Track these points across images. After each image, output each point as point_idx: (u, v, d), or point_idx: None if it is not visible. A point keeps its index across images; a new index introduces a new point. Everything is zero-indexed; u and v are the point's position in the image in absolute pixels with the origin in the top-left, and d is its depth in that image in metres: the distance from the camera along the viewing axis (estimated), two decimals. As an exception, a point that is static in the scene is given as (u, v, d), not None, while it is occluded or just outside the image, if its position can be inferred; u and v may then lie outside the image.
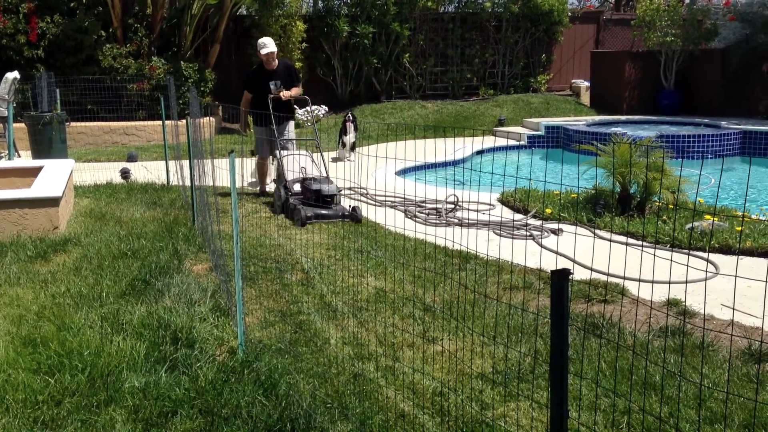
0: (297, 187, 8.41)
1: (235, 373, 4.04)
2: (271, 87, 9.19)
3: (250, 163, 10.70)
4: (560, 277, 2.27)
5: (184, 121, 9.74)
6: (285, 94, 9.17)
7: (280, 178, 8.72)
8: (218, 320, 4.83)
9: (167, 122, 10.30)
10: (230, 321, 4.79)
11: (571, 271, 2.31)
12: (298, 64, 17.05)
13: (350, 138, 12.39)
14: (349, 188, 9.49)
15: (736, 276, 3.04)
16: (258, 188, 9.87)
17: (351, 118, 12.46)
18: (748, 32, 17.12)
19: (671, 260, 6.26)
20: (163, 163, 10.42)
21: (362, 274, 6.04)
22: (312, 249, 6.81)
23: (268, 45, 9.28)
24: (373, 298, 5.42)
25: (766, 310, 4.94)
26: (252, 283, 5.68)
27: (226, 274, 5.14)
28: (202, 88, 15.34)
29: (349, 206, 8.23)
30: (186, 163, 7.72)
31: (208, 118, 14.84)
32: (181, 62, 15.25)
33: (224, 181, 5.02)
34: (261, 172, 9.69)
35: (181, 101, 14.00)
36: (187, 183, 7.73)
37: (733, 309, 4.89)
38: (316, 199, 8.04)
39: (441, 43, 18.85)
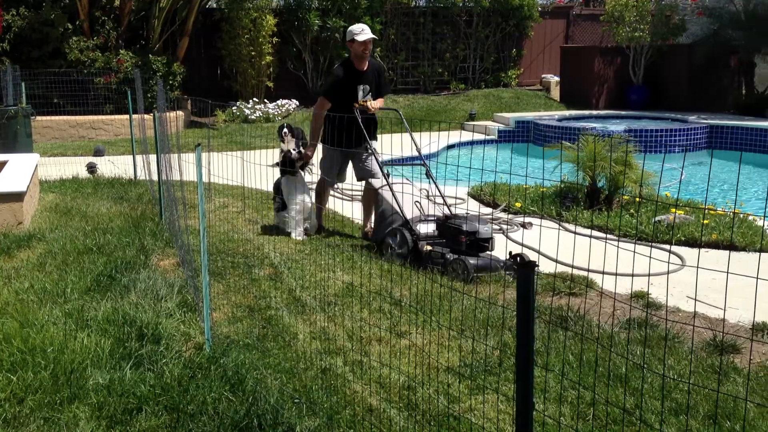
0: (426, 228, 6.40)
1: (202, 369, 4.00)
2: (359, 94, 7.10)
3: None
4: (526, 269, 2.27)
5: (151, 114, 9.57)
6: (373, 105, 7.05)
7: (384, 218, 6.68)
8: (185, 316, 4.77)
9: (135, 116, 10.18)
10: (197, 317, 4.74)
11: (537, 263, 2.31)
12: (267, 58, 16.95)
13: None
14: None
15: (697, 267, 3.07)
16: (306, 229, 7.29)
17: (288, 131, 10.93)
18: (715, 28, 17.32)
19: (634, 252, 6.32)
20: (131, 157, 10.30)
21: (332, 268, 6.02)
22: (281, 244, 6.77)
23: (366, 30, 7.03)
24: (342, 292, 5.40)
25: (728, 302, 5.00)
26: (220, 279, 5.63)
27: (194, 270, 5.09)
28: (170, 82, 15.19)
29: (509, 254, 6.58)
30: (154, 157, 7.63)
31: (176, 112, 14.71)
32: (150, 55, 15.08)
33: (191, 175, 4.97)
34: (321, 199, 7.57)
35: (149, 95, 13.85)
36: (155, 178, 7.64)
37: (695, 300, 4.94)
38: (469, 243, 6.01)
39: (412, 37, 18.85)
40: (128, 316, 4.62)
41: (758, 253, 6.60)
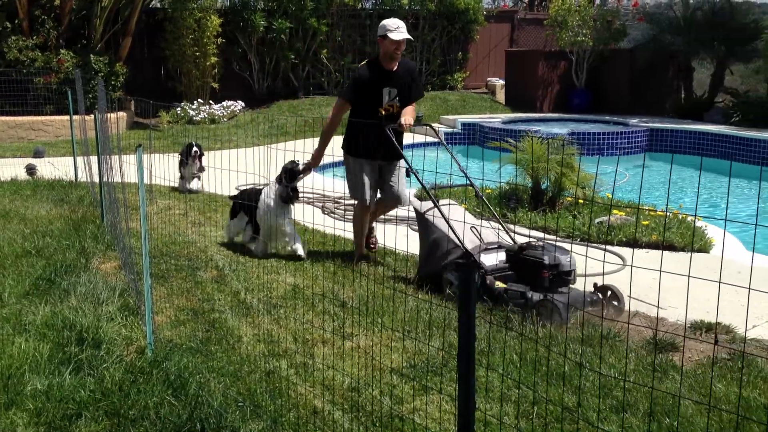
0: (490, 260, 5.49)
1: (144, 373, 3.93)
2: (384, 97, 6.18)
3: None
4: (467, 270, 2.28)
5: (93, 115, 9.38)
6: (406, 121, 6.03)
7: (435, 249, 5.65)
8: (127, 320, 4.69)
9: (75, 117, 9.97)
10: (139, 320, 4.66)
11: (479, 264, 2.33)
12: (212, 59, 16.77)
13: (191, 172, 9.39)
14: (265, 185, 9.35)
15: (632, 266, 3.14)
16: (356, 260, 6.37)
17: (197, 151, 9.30)
18: (655, 33, 17.73)
19: (585, 253, 6.41)
20: (72, 159, 10.08)
21: (277, 270, 5.98)
22: (226, 246, 6.70)
23: (402, 28, 6.12)
24: (288, 294, 5.37)
25: (668, 302, 5.12)
26: (163, 282, 5.55)
27: (136, 273, 5.00)
28: (113, 82, 14.91)
29: (594, 286, 5.20)
30: (95, 159, 7.48)
31: (119, 113, 14.44)
32: (91, 55, 14.78)
33: (133, 177, 4.89)
34: (360, 226, 6.40)
35: (90, 95, 13.57)
36: (96, 180, 7.49)
37: (630, 298, 5.03)
38: (551, 278, 5.11)
39: (359, 39, 18.84)
40: (68, 321, 4.53)
41: (696, 253, 6.78)
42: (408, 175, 5.89)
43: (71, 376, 3.90)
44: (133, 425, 3.47)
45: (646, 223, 7.53)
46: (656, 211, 7.88)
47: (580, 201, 8.39)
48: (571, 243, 7.00)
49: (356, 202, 6.41)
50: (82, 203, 8.28)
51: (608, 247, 6.89)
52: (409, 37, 6.19)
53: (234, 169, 8.68)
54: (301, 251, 6.33)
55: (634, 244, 6.98)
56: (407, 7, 18.93)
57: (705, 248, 6.93)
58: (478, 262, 5.34)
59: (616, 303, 5.13)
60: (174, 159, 8.40)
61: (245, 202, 6.63)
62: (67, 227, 7.01)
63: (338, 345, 4.45)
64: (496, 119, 16.36)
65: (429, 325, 4.77)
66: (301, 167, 6.49)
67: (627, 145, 14.41)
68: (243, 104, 16.88)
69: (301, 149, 8.20)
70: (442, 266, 5.52)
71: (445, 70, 20.00)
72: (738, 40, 16.45)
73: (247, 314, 4.94)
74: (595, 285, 5.16)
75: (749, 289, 2.53)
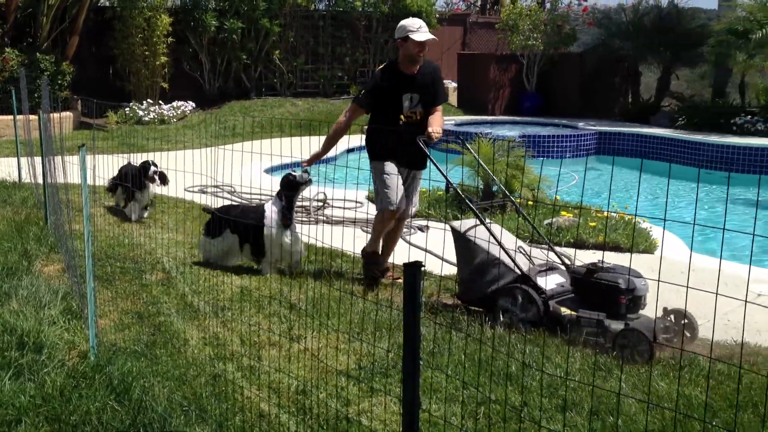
0: (547, 283, 5.02)
1: (86, 378, 3.85)
2: (405, 104, 5.75)
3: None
4: (412, 269, 2.28)
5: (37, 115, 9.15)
6: (435, 131, 5.58)
7: (483, 272, 5.12)
8: (70, 323, 4.59)
9: (19, 117, 9.74)
10: (82, 324, 4.56)
11: (424, 264, 2.33)
12: (162, 59, 16.54)
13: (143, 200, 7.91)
14: (215, 186, 9.27)
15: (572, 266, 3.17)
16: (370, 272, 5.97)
17: (154, 171, 7.80)
18: (604, 38, 18.04)
19: (538, 255, 6.47)
20: (15, 159, 9.84)
21: (226, 272, 5.91)
22: (174, 248, 6.61)
23: (424, 28, 5.66)
24: (237, 297, 5.32)
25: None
26: (108, 284, 5.45)
27: (79, 275, 4.90)
28: (59, 82, 14.61)
29: (664, 310, 4.77)
30: (39, 159, 7.31)
31: (63, 113, 14.15)
32: (37, 54, 14.46)
33: (77, 177, 4.78)
34: (378, 233, 5.97)
35: (35, 95, 13.26)
36: (40, 181, 7.32)
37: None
38: (622, 304, 4.66)
39: (312, 40, 18.77)
40: (8, 324, 4.41)
41: (641, 254, 6.90)
42: (447, 190, 5.72)
43: (11, 381, 3.81)
44: (75, 431, 3.40)
45: (593, 224, 7.64)
46: (602, 212, 8.00)
47: (529, 203, 8.47)
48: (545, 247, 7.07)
49: (381, 209, 5.81)
50: (25, 205, 8.09)
51: (555, 248, 6.95)
52: (433, 37, 5.71)
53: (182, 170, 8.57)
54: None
55: (580, 245, 7.07)
56: (360, 9, 18.93)
57: (649, 249, 7.06)
58: (538, 286, 4.89)
59: (688, 328, 4.67)
60: (120, 160, 8.23)
61: (239, 219, 5.99)
62: (9, 229, 6.84)
63: (286, 347, 4.42)
64: (448, 122, 16.43)
65: (378, 326, 4.76)
66: (299, 178, 6.00)
67: (576, 148, 14.62)
68: (193, 105, 16.69)
69: (258, 150, 8.08)
70: (493, 291, 5.00)
71: (398, 72, 20.03)
72: (684, 46, 16.83)
73: (194, 317, 4.88)
74: (665, 309, 4.74)
75: (686, 287, 2.58)
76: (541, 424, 3.51)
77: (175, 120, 15.92)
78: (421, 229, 7.78)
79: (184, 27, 17.02)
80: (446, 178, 5.49)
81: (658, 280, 2.54)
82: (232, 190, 9.21)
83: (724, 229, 2.46)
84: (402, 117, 5.73)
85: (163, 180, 7.76)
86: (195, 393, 3.77)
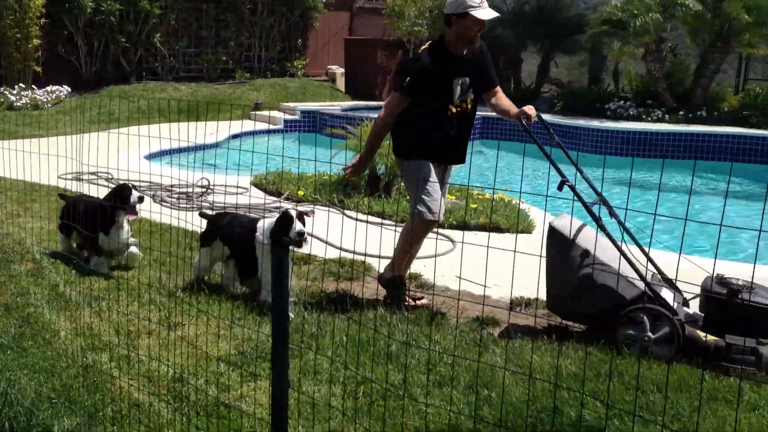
0: (671, 297, 4.45)
1: (-55, 374, 3.64)
2: (456, 90, 4.93)
3: None
4: (280, 249, 2.26)
5: None
6: (530, 110, 4.91)
7: (592, 287, 4.39)
8: (-72, 318, 4.33)
9: None
10: (-58, 318, 4.31)
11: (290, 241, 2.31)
12: (35, 42, 15.75)
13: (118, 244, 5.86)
14: (92, 173, 8.94)
15: (463, 243, 3.24)
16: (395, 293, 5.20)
17: (139, 198, 5.48)
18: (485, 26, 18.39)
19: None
20: None
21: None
22: (46, 238, 6.32)
23: (485, 2, 4.82)
24: (112, 286, 5.14)
25: (493, 280, 5.32)
26: (-28, 276, 5.16)
27: (-61, 267, 4.63)
28: None
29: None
30: None
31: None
32: None
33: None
34: (408, 248, 5.11)
35: None
36: None
37: (460, 278, 5.22)
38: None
39: (194, 23, 18.30)
40: None
41: (520, 234, 7.11)
42: (560, 188, 4.43)
43: None
44: (-69, 430, 3.21)
45: (475, 206, 7.81)
46: (484, 194, 8.20)
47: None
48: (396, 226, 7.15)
49: (418, 216, 4.90)
50: None
51: (439, 230, 7.08)
52: (497, 14, 4.97)
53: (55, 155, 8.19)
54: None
55: (463, 226, 7.21)
56: (245, -8, 18.62)
57: (528, 229, 7.29)
58: (671, 307, 4.27)
59: None
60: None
61: (232, 229, 5.11)
62: None
63: (163, 336, 4.31)
64: (336, 107, 16.43)
65: (260, 311, 4.71)
66: (295, 228, 4.75)
67: (461, 133, 14.88)
68: (69, 89, 15.99)
69: (135, 133, 7.79)
70: (610, 311, 4.31)
71: (285, 57, 19.84)
72: (562, 34, 17.41)
73: (65, 308, 4.69)
74: None
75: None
76: (419, 400, 3.56)
77: (49, 105, 15.21)
78: (306, 213, 7.73)
79: (58, 9, 16.24)
80: (559, 172, 4.61)
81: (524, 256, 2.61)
82: (110, 176, 8.90)
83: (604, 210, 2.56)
84: (452, 108, 4.90)
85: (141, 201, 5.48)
86: (65, 385, 3.63)
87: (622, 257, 4.33)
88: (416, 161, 4.95)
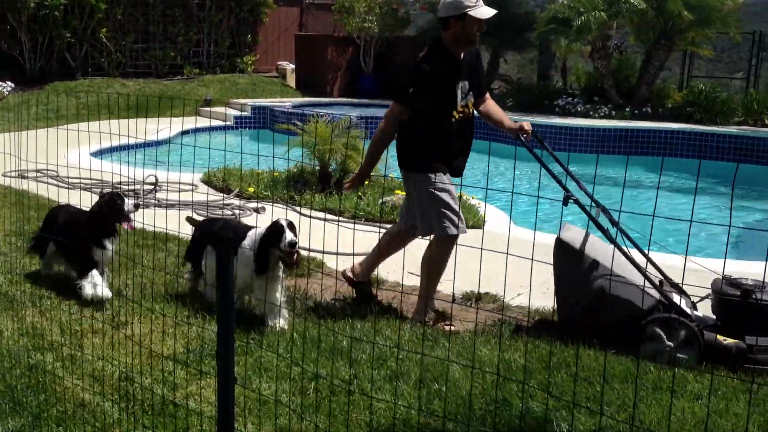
0: (683, 302, 4.42)
1: None
2: (458, 94, 4.75)
3: None
4: (224, 248, 2.25)
5: None
6: (527, 126, 4.86)
7: (604, 298, 4.32)
8: None
9: None
10: None
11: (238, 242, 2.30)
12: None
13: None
14: (37, 170, 8.75)
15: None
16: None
17: (135, 206, 5.08)
18: (436, 22, 18.49)
19: (345, 228, 6.56)
20: None
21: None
22: (-12, 236, 6.18)
23: (481, 1, 4.73)
24: (57, 285, 5.05)
25: (445, 275, 5.36)
26: None
27: None
28: None
29: None
30: None
31: None
32: None
33: None
34: (386, 249, 5.13)
35: None
36: None
37: (404, 273, 5.22)
38: None
39: (142, 18, 18.02)
40: None
41: (470, 229, 7.16)
42: (565, 204, 4.29)
43: None
44: None
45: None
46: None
47: (366, 182, 8.59)
48: (354, 222, 7.16)
49: (441, 234, 4.68)
50: None
51: (390, 227, 7.09)
52: (495, 12, 4.71)
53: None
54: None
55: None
56: (194, -13, 18.39)
57: (478, 224, 7.35)
58: (687, 314, 4.26)
59: None
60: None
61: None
62: None
63: (110, 335, 4.25)
64: (286, 103, 16.35)
65: (208, 309, 4.67)
66: (287, 238, 4.39)
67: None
68: (13, 85, 15.63)
69: (78, 133, 7.66)
70: (631, 325, 4.24)
71: (235, 53, 19.66)
72: (512, 31, 17.57)
73: (8, 307, 4.59)
74: None
75: (507, 254, 2.70)
76: (371, 394, 3.57)
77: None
78: (257, 210, 7.69)
79: (0, 3, 15.84)
80: (562, 186, 4.44)
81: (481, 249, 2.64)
82: (56, 174, 8.73)
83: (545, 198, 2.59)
84: (456, 113, 4.71)
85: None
86: (9, 386, 3.56)
87: (633, 266, 4.32)
88: (423, 173, 4.69)
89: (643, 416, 3.50)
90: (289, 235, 4.35)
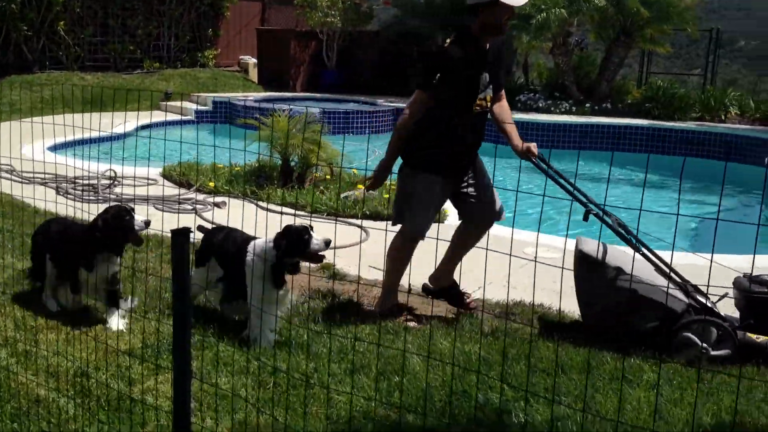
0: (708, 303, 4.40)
1: None
2: (481, 86, 4.55)
3: None
4: (180, 238, 2.23)
5: None
6: (533, 146, 4.70)
7: (637, 304, 4.26)
8: None
9: None
10: None
11: (192, 230, 2.28)
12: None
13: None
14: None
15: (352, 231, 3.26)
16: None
17: (145, 223, 4.67)
18: (399, 16, 18.52)
19: (301, 219, 6.55)
20: None
21: (2, 255, 5.49)
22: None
23: None
24: (13, 281, 4.96)
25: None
26: None
27: None
28: None
29: None
30: None
31: None
32: None
33: None
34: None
35: None
36: None
37: (371, 267, 5.25)
38: None
39: (100, 11, 17.74)
40: None
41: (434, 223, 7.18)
42: (586, 219, 4.26)
43: None
44: None
45: (387, 196, 7.85)
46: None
47: (327, 177, 8.58)
48: (310, 216, 7.14)
49: (407, 231, 4.66)
50: None
51: (352, 220, 7.10)
52: (527, 0, 3.86)
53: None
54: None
55: (376, 216, 7.25)
56: (152, -20, 18.16)
57: (441, 219, 7.36)
58: (722, 315, 4.25)
59: None
60: None
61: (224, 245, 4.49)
62: None
63: (67, 330, 4.19)
64: (248, 97, 16.24)
65: (166, 304, 4.63)
66: (316, 241, 4.07)
67: (375, 124, 14.95)
68: (-33, 79, 15.31)
69: (34, 128, 7.54)
70: (664, 329, 4.23)
71: (196, 47, 19.48)
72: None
73: (-39, 304, 4.50)
74: None
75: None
76: (329, 387, 3.57)
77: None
78: (218, 205, 7.63)
79: (-47, -6, 15.52)
80: (581, 202, 4.39)
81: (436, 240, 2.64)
82: (11, 169, 8.56)
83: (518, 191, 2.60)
84: (475, 106, 4.51)
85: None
86: (-40, 384, 3.49)
87: (661, 273, 4.34)
88: (427, 174, 4.56)
89: (599, 406, 3.54)
90: (317, 237, 4.06)
